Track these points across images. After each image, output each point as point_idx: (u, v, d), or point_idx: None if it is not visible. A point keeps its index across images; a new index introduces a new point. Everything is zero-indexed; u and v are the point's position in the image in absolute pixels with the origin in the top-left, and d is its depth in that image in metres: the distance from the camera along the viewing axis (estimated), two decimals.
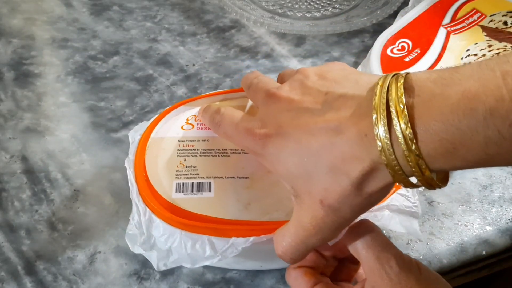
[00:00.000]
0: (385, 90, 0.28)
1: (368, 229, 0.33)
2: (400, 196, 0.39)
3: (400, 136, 0.27)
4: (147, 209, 0.38)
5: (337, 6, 0.67)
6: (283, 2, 0.68)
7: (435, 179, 0.29)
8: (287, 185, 0.33)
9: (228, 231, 0.37)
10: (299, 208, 0.32)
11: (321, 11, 0.67)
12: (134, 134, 0.44)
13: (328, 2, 0.68)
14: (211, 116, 0.41)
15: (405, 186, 0.29)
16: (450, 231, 0.47)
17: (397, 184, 0.29)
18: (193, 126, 0.44)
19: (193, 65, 0.61)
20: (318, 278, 0.36)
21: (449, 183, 0.51)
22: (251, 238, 0.36)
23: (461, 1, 0.57)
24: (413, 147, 0.27)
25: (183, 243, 0.37)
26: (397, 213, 0.39)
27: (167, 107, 0.47)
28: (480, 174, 0.51)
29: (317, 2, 0.68)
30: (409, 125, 0.27)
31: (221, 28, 0.65)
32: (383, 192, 0.30)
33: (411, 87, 0.28)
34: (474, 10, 0.56)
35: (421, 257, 0.45)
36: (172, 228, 0.37)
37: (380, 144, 0.28)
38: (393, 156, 0.28)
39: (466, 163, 0.27)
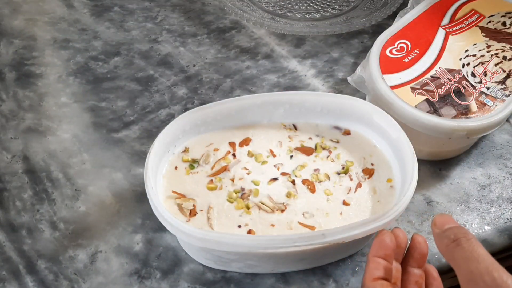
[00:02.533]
0: None
1: (468, 241, 0.33)
2: None
3: None
4: None
5: (337, 7, 0.67)
6: (283, 3, 0.68)
7: None
8: None
9: None
10: None
11: (321, 12, 0.67)
12: None
13: (328, 3, 0.68)
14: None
15: None
16: None
17: None
18: None
19: (194, 65, 0.61)
20: None
21: (447, 183, 0.51)
22: None
23: (460, 2, 0.57)
24: None
25: None
26: None
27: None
28: (479, 174, 0.51)
29: (317, 3, 0.68)
30: None
31: (222, 29, 0.66)
32: None
33: None
34: (473, 11, 0.56)
35: None
36: None
37: None
38: None
39: None
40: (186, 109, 0.56)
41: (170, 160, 0.46)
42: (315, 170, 0.46)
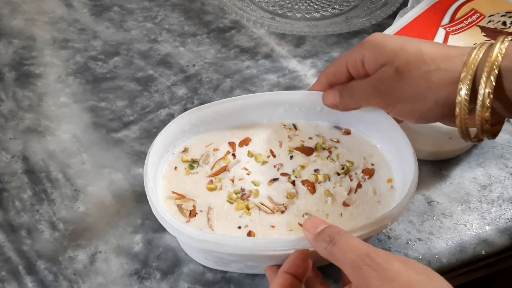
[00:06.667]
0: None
1: (341, 237, 0.34)
2: None
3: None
4: None
5: (337, 7, 0.67)
6: (283, 3, 0.68)
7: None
8: None
9: None
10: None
11: (321, 12, 0.67)
12: None
13: (328, 3, 0.68)
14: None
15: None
16: (450, 231, 0.47)
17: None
18: None
19: (194, 65, 0.61)
20: (289, 280, 0.36)
21: (448, 183, 0.51)
22: None
23: (460, 2, 0.57)
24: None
25: None
26: None
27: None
28: (479, 174, 0.51)
29: (317, 3, 0.68)
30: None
31: (221, 28, 0.66)
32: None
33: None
34: (473, 11, 0.56)
35: (420, 257, 0.45)
36: None
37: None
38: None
39: None
40: (185, 109, 0.56)
41: (170, 160, 0.46)
42: (315, 170, 0.46)
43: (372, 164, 0.46)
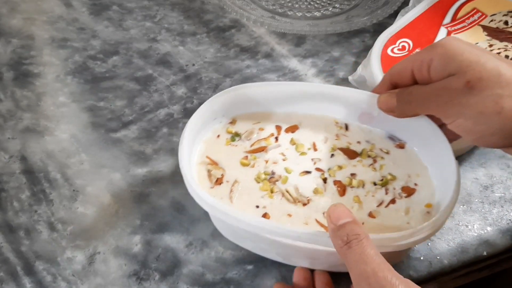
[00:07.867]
0: None
1: (359, 242, 0.33)
2: None
3: None
4: None
5: (338, 6, 0.67)
6: (283, 2, 0.67)
7: None
8: None
9: None
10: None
11: (321, 11, 0.66)
12: None
13: (328, 2, 0.68)
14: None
15: None
16: (451, 232, 0.47)
17: None
18: None
19: (193, 65, 0.61)
20: None
21: None
22: None
23: (462, 1, 0.56)
24: None
25: None
26: None
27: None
28: (481, 174, 0.51)
29: (317, 1, 0.68)
30: None
31: (221, 27, 0.65)
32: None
33: None
34: (475, 10, 0.56)
35: (421, 258, 0.45)
36: None
37: None
38: None
39: None
40: (185, 109, 0.56)
41: (216, 128, 0.46)
42: (351, 174, 0.44)
43: (415, 184, 0.43)
